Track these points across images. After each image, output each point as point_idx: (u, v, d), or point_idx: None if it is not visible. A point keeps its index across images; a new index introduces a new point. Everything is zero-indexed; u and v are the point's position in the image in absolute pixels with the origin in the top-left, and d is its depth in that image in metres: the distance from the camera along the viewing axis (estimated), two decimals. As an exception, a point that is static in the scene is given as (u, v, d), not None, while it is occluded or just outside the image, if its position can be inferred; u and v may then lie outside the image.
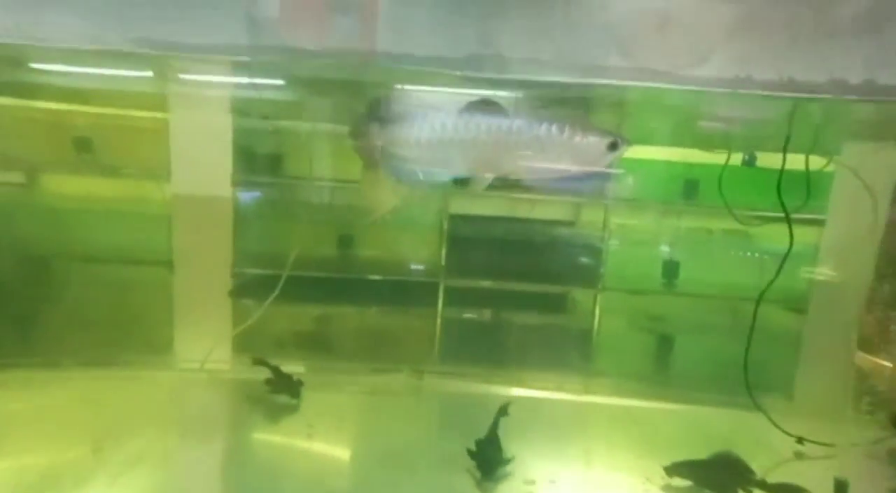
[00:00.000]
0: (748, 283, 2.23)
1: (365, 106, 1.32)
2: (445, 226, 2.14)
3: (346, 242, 2.37)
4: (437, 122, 1.03)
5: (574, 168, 1.02)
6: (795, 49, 1.10)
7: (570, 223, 2.34)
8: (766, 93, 1.23)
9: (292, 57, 1.58)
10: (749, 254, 2.32)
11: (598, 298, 2.18)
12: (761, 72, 1.16)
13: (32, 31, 1.38)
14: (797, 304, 2.10)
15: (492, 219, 2.21)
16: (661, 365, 2.33)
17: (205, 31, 1.39)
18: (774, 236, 2.28)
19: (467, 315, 2.28)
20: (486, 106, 1.02)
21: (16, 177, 2.27)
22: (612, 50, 1.23)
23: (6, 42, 1.43)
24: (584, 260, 2.17)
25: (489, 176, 1.06)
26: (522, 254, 2.17)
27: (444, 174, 1.09)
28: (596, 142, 1.01)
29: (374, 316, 2.29)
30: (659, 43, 1.19)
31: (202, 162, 2.05)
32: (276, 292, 1.92)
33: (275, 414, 1.69)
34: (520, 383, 1.95)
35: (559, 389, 1.96)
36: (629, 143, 1.02)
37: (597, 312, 2.20)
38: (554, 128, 1.01)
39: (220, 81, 1.98)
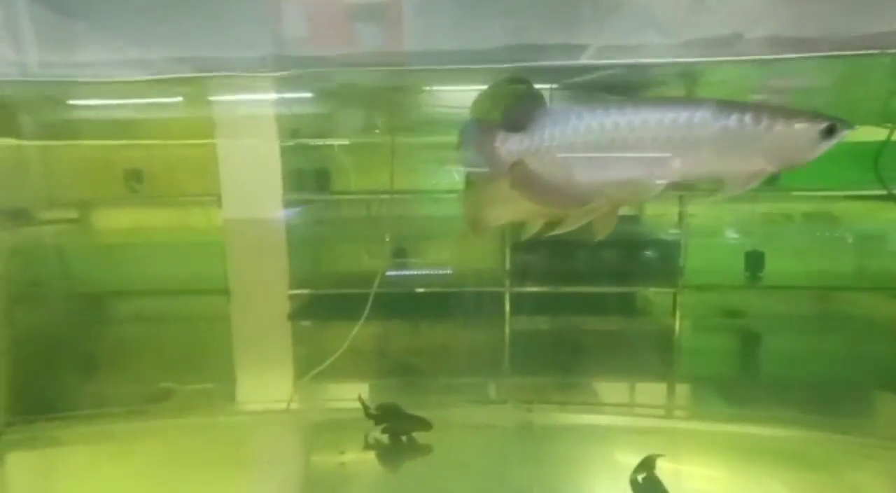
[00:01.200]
0: (844, 270, 2.05)
1: (478, 111, 1.20)
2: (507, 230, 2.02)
3: (400, 254, 2.29)
4: (594, 121, 0.85)
5: (774, 165, 0.83)
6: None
7: (633, 218, 2.19)
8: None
9: (322, 70, 1.54)
10: (841, 237, 2.12)
11: (678, 297, 2.02)
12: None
13: (67, 68, 1.36)
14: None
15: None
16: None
17: (232, 49, 1.34)
18: (864, 216, 2.09)
19: (537, 324, 2.15)
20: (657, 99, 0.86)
21: (68, 213, 2.27)
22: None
23: (43, 80, 1.42)
24: (662, 257, 2.01)
25: (661, 182, 0.87)
26: (595, 254, 2.03)
27: (601, 184, 0.89)
28: (805, 129, 0.81)
29: (439, 331, 2.18)
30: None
31: (252, 185, 1.99)
32: (366, 313, 1.80)
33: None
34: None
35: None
36: (851, 126, 0.82)
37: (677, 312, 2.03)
38: (748, 117, 0.81)
39: (260, 100, 1.96)
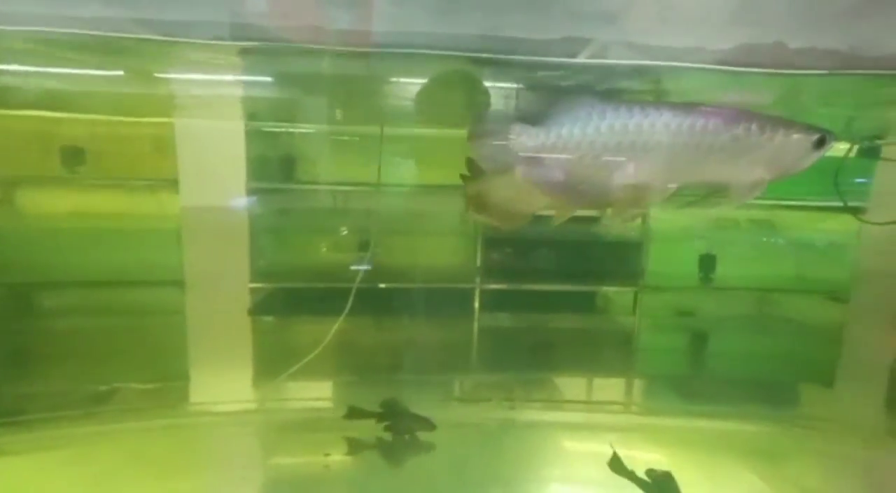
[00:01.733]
0: (785, 274, 2.21)
1: (421, 101, 1.17)
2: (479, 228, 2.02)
3: (364, 248, 2.23)
4: (616, 121, 0.85)
5: (772, 173, 0.87)
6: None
7: (594, 219, 2.26)
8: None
9: (283, 51, 1.46)
10: (779, 243, 2.29)
11: (638, 296, 2.11)
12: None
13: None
14: (838, 293, 2.06)
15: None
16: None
17: (185, 13, 1.23)
18: (802, 225, 2.26)
19: (505, 322, 2.16)
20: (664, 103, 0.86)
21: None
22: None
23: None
24: (625, 258, 2.09)
25: (672, 186, 0.89)
26: (561, 254, 2.07)
27: (613, 185, 0.89)
28: (800, 140, 0.86)
29: (405, 327, 2.15)
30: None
31: (213, 171, 1.86)
32: (347, 308, 1.75)
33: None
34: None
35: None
36: (836, 138, 0.89)
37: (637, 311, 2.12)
38: (753, 126, 0.85)
39: (224, 79, 1.82)
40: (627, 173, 0.89)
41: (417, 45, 1.28)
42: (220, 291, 1.91)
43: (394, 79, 1.72)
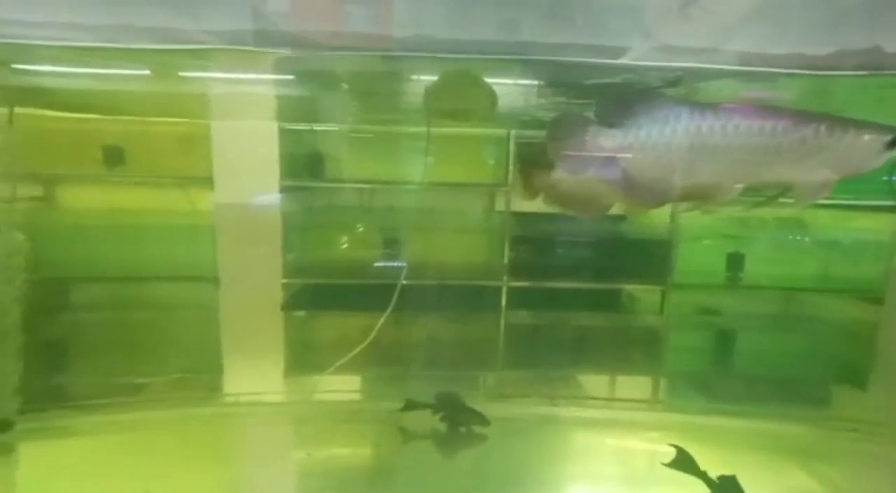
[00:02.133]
0: (815, 273, 2.19)
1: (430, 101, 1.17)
2: (508, 225, 2.04)
3: (391, 245, 2.25)
4: (691, 124, 0.88)
5: (840, 173, 0.88)
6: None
7: (622, 218, 2.26)
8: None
9: (304, 51, 1.49)
10: (809, 242, 2.26)
11: (666, 294, 2.10)
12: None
13: (23, 28, 1.24)
14: (872, 293, 2.03)
15: (553, 216, 2.10)
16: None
17: (209, 23, 1.27)
18: (834, 223, 2.23)
19: (532, 319, 2.18)
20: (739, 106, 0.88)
21: (33, 190, 2.10)
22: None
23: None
24: (654, 256, 2.09)
25: (738, 187, 0.91)
26: (589, 251, 2.08)
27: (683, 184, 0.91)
28: (872, 140, 0.86)
29: (433, 323, 2.17)
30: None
31: (247, 168, 1.91)
32: (391, 306, 1.79)
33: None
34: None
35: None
36: None
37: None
38: (823, 127, 0.86)
39: (259, 79, 1.87)
40: (698, 173, 0.91)
41: (437, 48, 1.32)
42: (254, 287, 1.96)
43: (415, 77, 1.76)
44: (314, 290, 2.08)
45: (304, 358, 1.97)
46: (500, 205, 2.13)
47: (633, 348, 2.15)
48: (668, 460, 1.24)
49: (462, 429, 1.55)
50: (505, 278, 2.06)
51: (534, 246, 2.08)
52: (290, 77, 1.82)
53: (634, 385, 2.05)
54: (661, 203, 0.95)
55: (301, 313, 2.06)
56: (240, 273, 1.93)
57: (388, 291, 2.05)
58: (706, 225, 2.15)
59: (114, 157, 1.99)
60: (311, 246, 2.16)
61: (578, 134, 0.94)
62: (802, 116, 0.87)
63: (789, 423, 1.71)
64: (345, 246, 2.20)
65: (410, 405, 1.59)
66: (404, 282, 2.05)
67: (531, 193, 1.03)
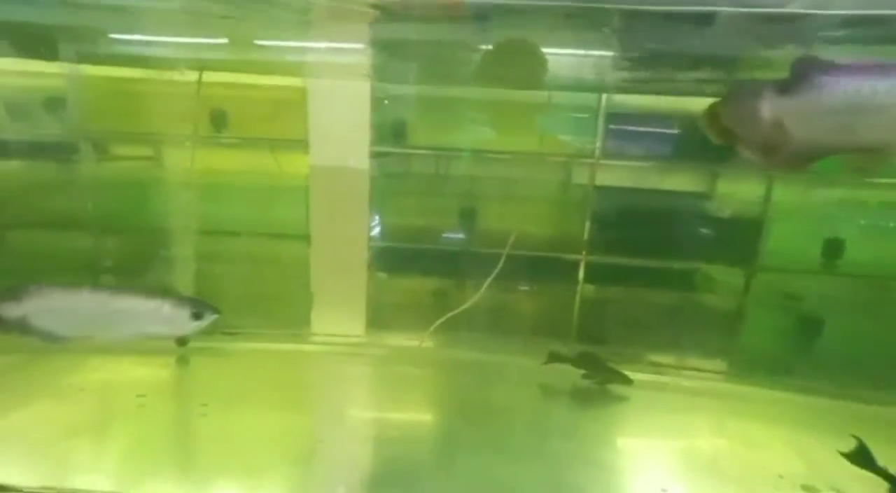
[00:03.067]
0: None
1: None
2: (589, 198, 2.03)
3: (467, 214, 2.30)
4: (865, 84, 0.87)
5: None
6: None
7: (704, 195, 2.19)
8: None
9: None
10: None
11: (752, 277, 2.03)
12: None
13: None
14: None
15: (637, 191, 2.07)
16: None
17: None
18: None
19: (610, 293, 2.17)
20: None
21: (143, 150, 2.28)
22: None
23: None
24: (741, 237, 2.02)
25: None
26: (672, 228, 2.04)
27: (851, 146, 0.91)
28: None
29: (505, 293, 2.21)
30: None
31: (340, 132, 1.99)
32: (497, 270, 1.92)
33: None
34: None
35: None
36: None
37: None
38: None
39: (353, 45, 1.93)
40: (863, 135, 0.90)
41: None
42: (342, 246, 2.06)
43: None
44: (398, 252, 2.16)
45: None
46: (582, 177, 2.12)
47: (711, 330, 2.10)
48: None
49: (602, 387, 1.63)
50: (584, 252, 2.06)
51: (616, 221, 2.05)
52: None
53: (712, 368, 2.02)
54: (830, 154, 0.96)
55: (384, 274, 2.15)
56: (330, 232, 2.04)
57: (463, 257, 2.12)
58: (801, 205, 2.05)
59: (219, 120, 2.13)
60: (397, 210, 2.23)
61: (754, 98, 0.95)
62: None
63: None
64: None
65: (553, 357, 1.66)
66: (479, 250, 2.10)
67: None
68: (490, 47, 1.56)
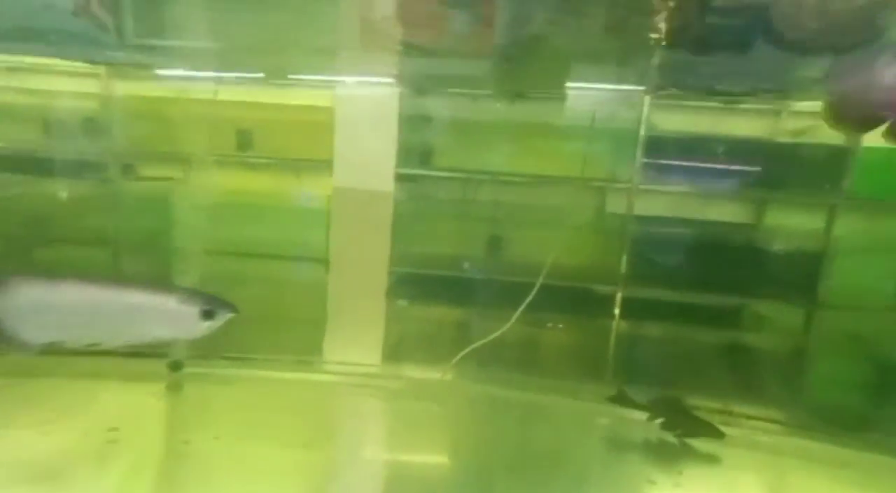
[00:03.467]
0: None
1: None
2: (628, 229, 1.88)
3: (495, 243, 2.18)
4: None
5: None
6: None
7: (751, 226, 2.00)
8: None
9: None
10: None
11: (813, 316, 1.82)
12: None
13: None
14: None
15: (679, 221, 1.91)
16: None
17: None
18: None
19: (647, 331, 1.99)
20: None
21: (171, 171, 2.28)
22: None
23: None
24: (799, 272, 1.82)
25: None
26: (720, 261, 1.86)
27: None
28: None
29: (533, 326, 2.05)
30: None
31: (366, 156, 1.93)
32: (529, 298, 1.78)
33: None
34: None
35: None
36: None
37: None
38: None
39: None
40: None
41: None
42: (361, 271, 1.97)
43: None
44: (418, 280, 2.06)
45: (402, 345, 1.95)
46: (619, 206, 1.98)
47: (770, 373, 1.88)
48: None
49: (684, 441, 1.29)
50: (620, 285, 1.90)
51: (655, 253, 1.89)
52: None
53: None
54: None
55: (404, 302, 2.04)
56: (350, 257, 1.96)
57: (488, 287, 1.99)
58: (868, 235, 1.84)
59: (245, 141, 2.12)
60: (419, 237, 2.14)
61: (866, 68, 0.96)
62: None
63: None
64: (465, 265, 2.14)
65: (622, 399, 1.35)
66: (506, 279, 1.97)
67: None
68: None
